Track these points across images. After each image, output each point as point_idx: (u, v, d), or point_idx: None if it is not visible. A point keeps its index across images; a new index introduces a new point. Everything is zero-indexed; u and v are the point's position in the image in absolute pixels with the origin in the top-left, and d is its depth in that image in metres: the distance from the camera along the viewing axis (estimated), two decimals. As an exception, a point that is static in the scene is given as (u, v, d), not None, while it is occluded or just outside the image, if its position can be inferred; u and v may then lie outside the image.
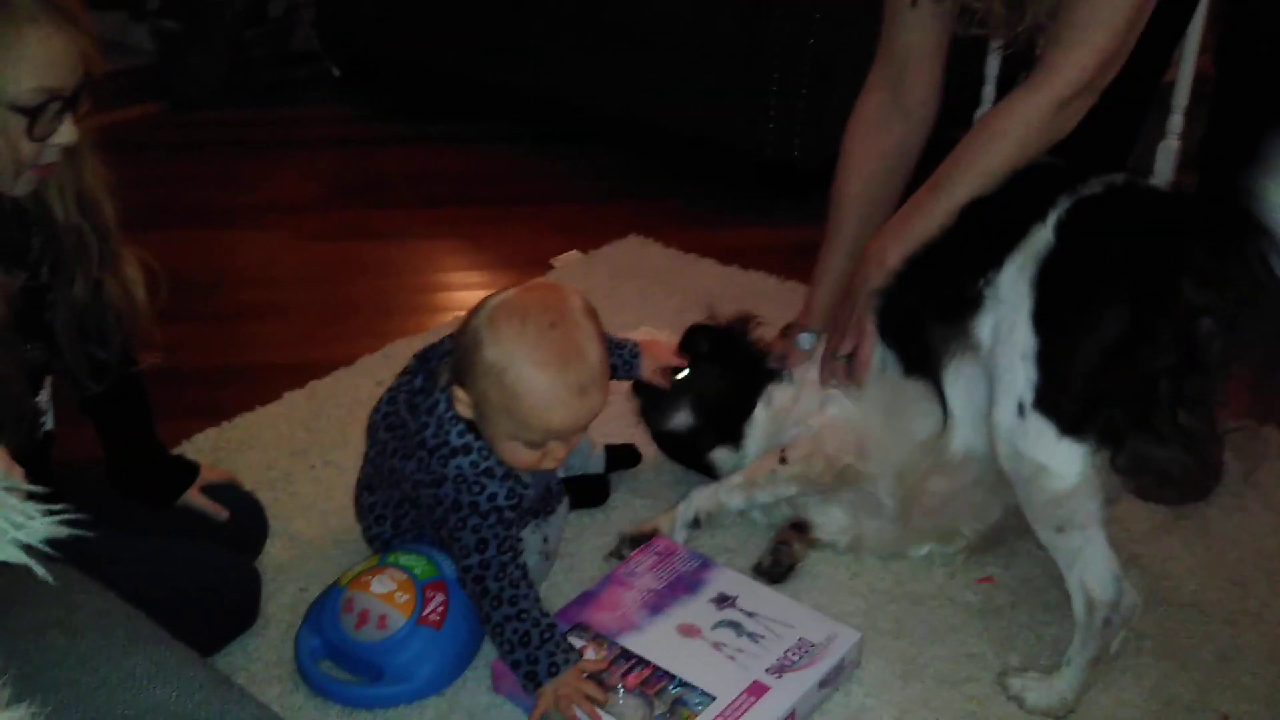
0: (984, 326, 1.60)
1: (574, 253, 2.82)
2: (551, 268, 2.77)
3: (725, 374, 1.96)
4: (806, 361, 1.92)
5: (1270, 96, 2.02)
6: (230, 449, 2.06)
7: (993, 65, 3.03)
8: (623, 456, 2.04)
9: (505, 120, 3.66)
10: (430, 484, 1.55)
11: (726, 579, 1.72)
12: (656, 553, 1.77)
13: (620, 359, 1.83)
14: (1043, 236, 1.54)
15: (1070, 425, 1.50)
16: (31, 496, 0.97)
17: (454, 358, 1.53)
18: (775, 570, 1.80)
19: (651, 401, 1.99)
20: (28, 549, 0.93)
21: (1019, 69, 3.58)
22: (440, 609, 1.57)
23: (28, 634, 0.96)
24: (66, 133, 1.34)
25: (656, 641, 1.60)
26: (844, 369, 1.82)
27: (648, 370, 1.86)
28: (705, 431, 1.97)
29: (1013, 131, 1.65)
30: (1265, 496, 1.99)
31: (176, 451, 1.82)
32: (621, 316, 2.47)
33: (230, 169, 3.42)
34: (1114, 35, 1.60)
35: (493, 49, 3.54)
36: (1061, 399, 1.51)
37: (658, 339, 1.95)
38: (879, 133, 1.87)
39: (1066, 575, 1.57)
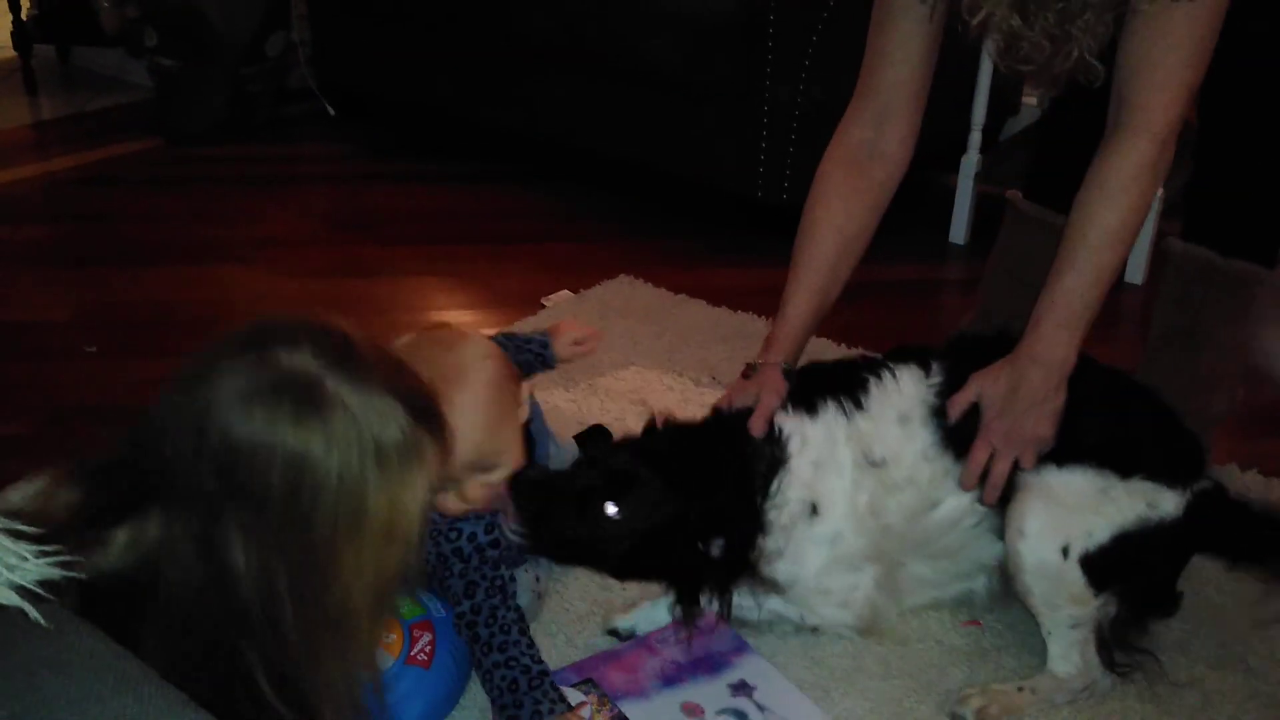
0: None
1: (565, 292, 2.85)
2: (543, 306, 2.79)
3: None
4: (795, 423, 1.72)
5: (1254, 144, 2.04)
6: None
7: (979, 112, 3.07)
8: (593, 438, 1.90)
9: (498, 159, 3.69)
10: None
11: (754, 667, 1.67)
12: (696, 626, 1.68)
13: (530, 352, 1.80)
14: None
15: (1099, 584, 1.65)
16: (25, 537, 0.97)
17: None
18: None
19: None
20: (21, 590, 0.94)
21: (1006, 114, 3.62)
22: (428, 648, 1.57)
23: (19, 673, 0.96)
24: None
25: (656, 714, 1.58)
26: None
27: (564, 349, 1.82)
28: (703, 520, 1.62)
29: (1133, 184, 1.65)
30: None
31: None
32: (611, 356, 2.49)
33: (226, 205, 3.44)
34: (1196, 69, 1.62)
35: (486, 89, 3.57)
36: (1103, 564, 1.64)
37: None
38: (860, 169, 1.85)
39: (1049, 644, 1.69)
